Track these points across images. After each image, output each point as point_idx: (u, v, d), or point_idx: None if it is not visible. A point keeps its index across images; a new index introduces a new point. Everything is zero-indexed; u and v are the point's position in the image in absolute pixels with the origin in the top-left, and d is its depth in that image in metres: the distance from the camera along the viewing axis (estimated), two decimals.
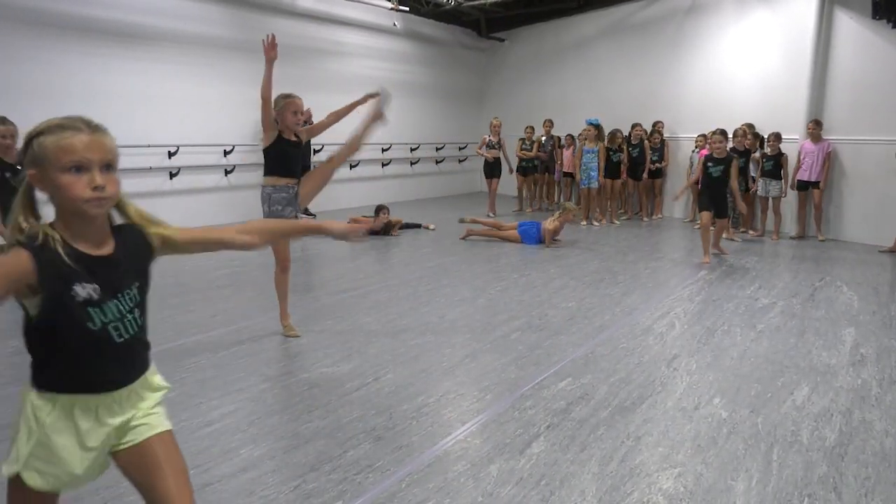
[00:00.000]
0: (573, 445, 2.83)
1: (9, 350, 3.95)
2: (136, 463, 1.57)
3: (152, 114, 8.22)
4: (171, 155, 8.50)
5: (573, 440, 2.88)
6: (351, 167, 11.19)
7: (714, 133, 6.90)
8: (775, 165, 8.24)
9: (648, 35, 10.72)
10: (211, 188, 8.97)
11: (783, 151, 8.28)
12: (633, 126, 9.98)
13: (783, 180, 8.31)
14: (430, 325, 4.60)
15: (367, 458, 2.70)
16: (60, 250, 1.39)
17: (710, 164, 6.78)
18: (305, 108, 8.92)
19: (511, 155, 10.80)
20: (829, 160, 8.31)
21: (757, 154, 8.46)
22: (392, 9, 10.79)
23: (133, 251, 1.55)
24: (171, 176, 8.58)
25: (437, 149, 13.02)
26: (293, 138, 4.13)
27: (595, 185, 9.50)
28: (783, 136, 8.35)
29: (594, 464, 2.67)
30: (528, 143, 10.79)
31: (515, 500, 2.41)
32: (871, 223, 8.27)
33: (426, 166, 12.90)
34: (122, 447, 1.57)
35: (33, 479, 1.51)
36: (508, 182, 11.06)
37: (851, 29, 8.29)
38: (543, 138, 10.91)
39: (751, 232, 8.86)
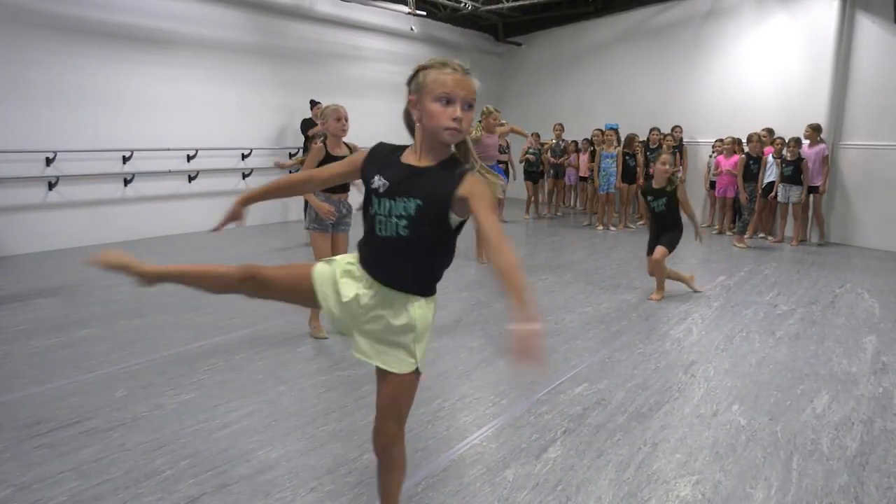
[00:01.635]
0: (590, 451, 2.82)
1: (30, 350, 4.01)
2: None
3: (171, 117, 8.31)
4: (189, 158, 8.59)
5: (590, 446, 2.87)
6: None
7: (660, 155, 5.52)
8: (795, 171, 8.15)
9: (666, 39, 10.67)
10: (229, 191, 9.04)
11: (803, 157, 8.20)
12: (651, 130, 9.93)
13: (803, 186, 8.22)
14: (447, 328, 4.60)
15: None
16: (385, 151, 1.83)
17: (649, 196, 5.51)
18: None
19: (516, 162, 10.65)
20: (827, 164, 8.30)
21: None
22: (409, 13, 10.83)
23: (446, 180, 1.70)
24: (190, 179, 8.66)
25: None
26: (338, 152, 4.15)
27: (613, 190, 9.47)
28: (803, 142, 8.27)
29: (611, 470, 2.66)
30: (533, 148, 10.64)
31: None
32: (892, 230, 8.16)
33: None
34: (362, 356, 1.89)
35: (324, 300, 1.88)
36: (520, 187, 10.99)
37: (873, 33, 8.20)
38: (553, 143, 10.82)
39: (770, 238, 8.78)
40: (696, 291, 5.71)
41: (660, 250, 5.35)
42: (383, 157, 1.80)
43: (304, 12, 9.92)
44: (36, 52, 7.07)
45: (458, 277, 5.98)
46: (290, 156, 9.74)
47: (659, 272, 5.45)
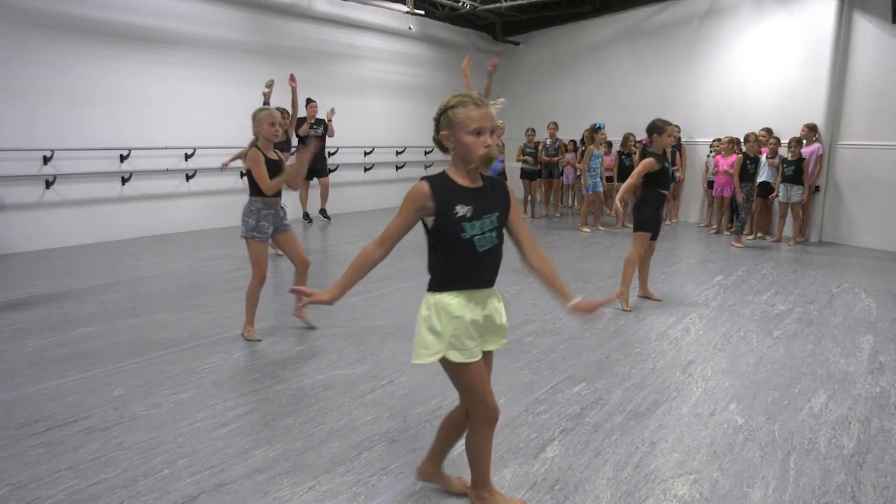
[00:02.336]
0: (587, 450, 2.82)
1: (27, 349, 4.00)
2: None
3: (169, 116, 8.31)
4: (187, 157, 8.58)
5: (587, 445, 2.87)
6: (365, 170, 11.24)
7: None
8: (796, 171, 8.16)
9: (664, 39, 10.67)
10: (227, 190, 9.04)
11: (803, 156, 8.21)
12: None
13: (804, 185, 8.23)
14: None
15: (381, 460, 2.70)
16: (442, 183, 2.04)
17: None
18: (330, 108, 9.06)
19: (510, 161, 10.56)
20: (821, 164, 8.37)
21: (776, 160, 8.38)
22: (407, 12, 10.83)
23: (497, 190, 2.13)
24: (188, 178, 8.66)
25: None
26: (271, 156, 4.19)
27: (600, 189, 9.46)
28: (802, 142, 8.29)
29: (609, 469, 2.66)
30: (529, 147, 10.61)
31: None
32: (890, 229, 8.18)
33: (440, 169, 12.90)
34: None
35: (456, 356, 2.06)
36: (516, 187, 10.96)
37: (871, 33, 8.21)
38: (548, 141, 10.79)
39: (768, 237, 8.79)
40: (624, 309, 5.16)
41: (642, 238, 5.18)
42: (446, 189, 2.02)
43: (303, 11, 9.92)
44: (33, 51, 7.06)
45: None
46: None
47: (641, 269, 5.40)
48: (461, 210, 2.00)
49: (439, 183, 2.03)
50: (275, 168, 4.16)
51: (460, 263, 2.07)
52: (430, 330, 2.06)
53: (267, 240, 4.23)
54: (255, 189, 4.18)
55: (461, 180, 2.05)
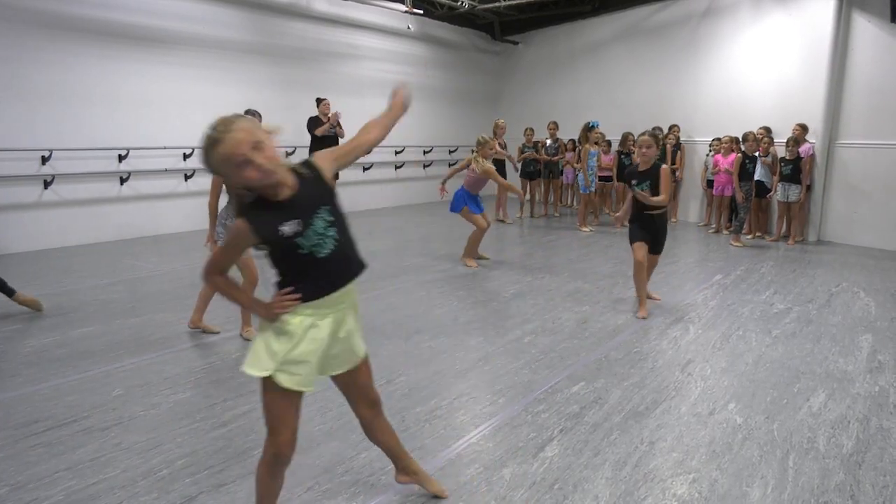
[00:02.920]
0: (586, 450, 2.82)
1: (26, 350, 4.00)
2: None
3: (167, 116, 8.30)
4: (186, 157, 8.58)
5: (586, 444, 2.87)
6: (364, 170, 11.23)
7: (641, 135, 4.90)
8: (794, 170, 8.17)
9: (663, 39, 10.67)
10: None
11: (801, 155, 8.22)
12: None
13: (802, 184, 8.24)
14: (444, 327, 4.60)
15: (380, 460, 2.70)
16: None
17: (633, 180, 4.90)
18: (334, 111, 9.06)
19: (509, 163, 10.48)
20: (811, 163, 8.41)
21: (768, 158, 8.38)
22: (406, 11, 10.82)
23: (316, 180, 1.94)
24: (186, 178, 8.65)
25: (451, 151, 13.03)
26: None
27: (593, 188, 9.46)
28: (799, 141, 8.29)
29: (608, 468, 2.66)
30: (528, 146, 10.60)
31: None
32: (889, 229, 8.18)
33: (439, 169, 12.91)
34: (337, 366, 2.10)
35: (284, 380, 1.92)
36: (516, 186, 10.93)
37: (869, 32, 8.21)
38: (548, 141, 10.80)
39: (766, 237, 8.80)
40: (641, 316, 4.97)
41: (638, 249, 4.87)
42: (263, 215, 1.83)
43: (301, 11, 9.91)
44: (32, 51, 7.05)
45: (455, 277, 5.98)
46: (287, 155, 9.73)
47: (638, 278, 4.97)
48: (287, 228, 1.82)
49: (255, 213, 1.83)
50: None
51: (306, 278, 1.91)
52: (267, 345, 1.92)
53: None
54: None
55: (274, 195, 1.84)
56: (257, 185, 1.77)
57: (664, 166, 4.84)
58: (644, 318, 4.89)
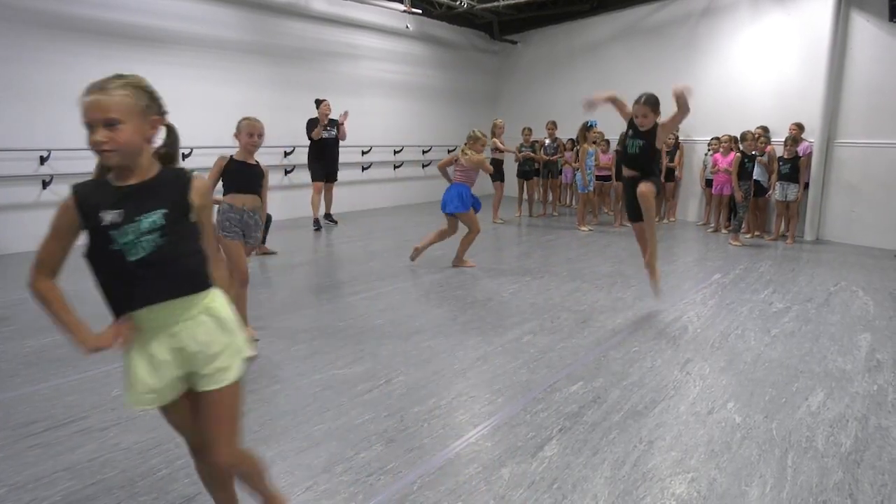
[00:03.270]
0: (585, 449, 2.83)
1: (25, 350, 4.00)
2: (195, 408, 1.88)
3: (167, 116, 8.29)
4: (184, 157, 8.57)
5: (585, 444, 2.88)
6: (363, 169, 11.23)
7: (636, 103, 5.22)
8: (793, 169, 8.18)
9: (662, 38, 10.67)
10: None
11: (800, 154, 8.23)
12: None
13: (800, 184, 8.25)
14: (442, 327, 4.60)
15: (379, 460, 2.71)
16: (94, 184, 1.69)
17: (628, 140, 5.16)
18: (344, 111, 9.09)
19: (508, 162, 10.54)
20: (808, 161, 8.42)
21: (764, 157, 8.38)
22: (405, 11, 10.82)
23: (171, 184, 1.79)
24: None
25: (449, 151, 13.02)
26: (250, 161, 4.13)
27: (591, 188, 9.46)
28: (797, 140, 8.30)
29: (606, 468, 2.67)
30: (525, 146, 10.56)
31: (527, 503, 2.40)
32: (888, 228, 8.19)
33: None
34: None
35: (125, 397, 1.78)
36: (516, 186, 10.95)
37: (868, 31, 8.21)
38: (547, 141, 10.79)
39: (765, 236, 8.80)
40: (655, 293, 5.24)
41: (646, 185, 4.84)
42: (96, 194, 1.71)
43: (300, 10, 9.91)
44: (31, 50, 7.05)
45: (454, 277, 5.99)
46: (286, 154, 9.75)
47: (649, 209, 4.88)
48: (107, 217, 1.63)
49: (90, 189, 1.69)
50: (242, 174, 4.07)
51: (112, 282, 1.73)
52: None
53: (237, 238, 4.03)
54: (224, 189, 4.12)
55: (116, 179, 1.70)
56: (104, 160, 1.65)
57: (663, 122, 5.00)
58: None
